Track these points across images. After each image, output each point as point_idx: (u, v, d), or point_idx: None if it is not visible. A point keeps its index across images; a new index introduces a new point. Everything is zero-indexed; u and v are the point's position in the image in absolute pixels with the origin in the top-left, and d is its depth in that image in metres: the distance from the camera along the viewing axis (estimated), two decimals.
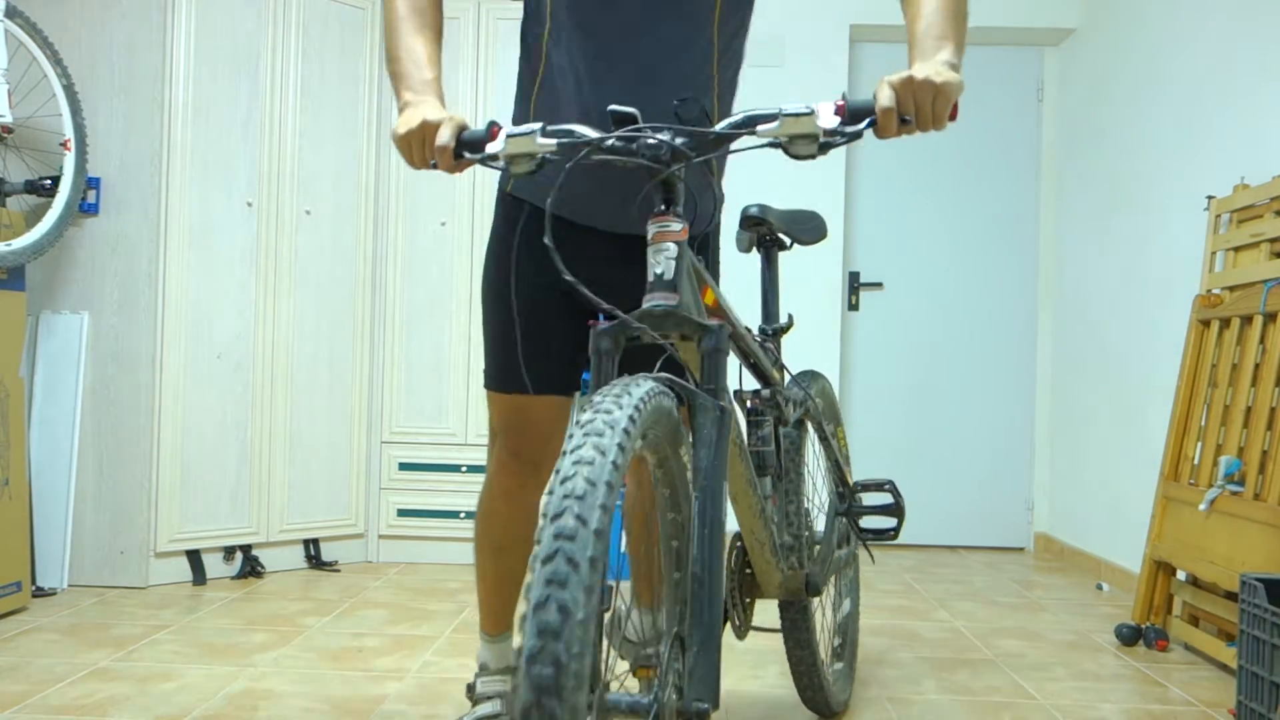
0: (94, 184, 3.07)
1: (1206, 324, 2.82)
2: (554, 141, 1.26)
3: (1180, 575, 2.77)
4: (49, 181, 2.93)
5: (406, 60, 1.48)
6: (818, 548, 1.94)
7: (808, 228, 1.93)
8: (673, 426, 1.14)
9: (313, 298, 3.41)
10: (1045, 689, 2.31)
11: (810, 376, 2.00)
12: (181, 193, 3.11)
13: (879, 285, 4.26)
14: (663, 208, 1.27)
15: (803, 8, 3.96)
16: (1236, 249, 2.80)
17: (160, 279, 3.08)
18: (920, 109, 1.21)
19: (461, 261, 3.57)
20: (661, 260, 1.25)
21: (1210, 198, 2.92)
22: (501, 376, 1.71)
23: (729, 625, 1.70)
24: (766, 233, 1.89)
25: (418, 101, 1.42)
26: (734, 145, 1.26)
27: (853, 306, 4.25)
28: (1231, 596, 2.46)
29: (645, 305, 1.25)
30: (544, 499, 0.89)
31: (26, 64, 2.96)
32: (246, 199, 3.25)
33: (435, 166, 1.35)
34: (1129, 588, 3.34)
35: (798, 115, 1.19)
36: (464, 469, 3.55)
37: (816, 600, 1.99)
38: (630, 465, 1.16)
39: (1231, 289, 2.78)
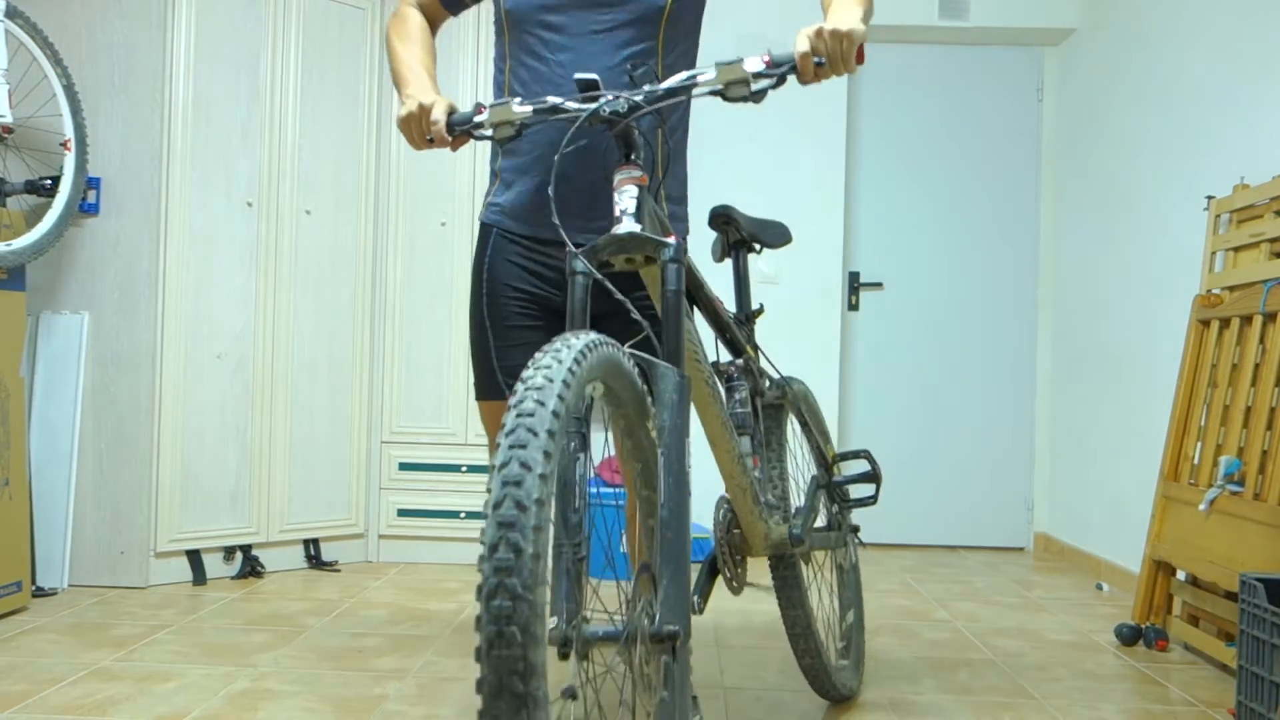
0: (94, 184, 3.07)
1: (1206, 324, 2.83)
2: (530, 108, 1.49)
3: (1180, 575, 2.77)
4: (49, 181, 2.93)
5: (404, 67, 1.76)
6: (802, 512, 2.00)
7: (773, 233, 2.08)
8: (629, 386, 1.24)
9: (313, 298, 3.41)
10: (1045, 689, 2.31)
11: (788, 380, 2.09)
12: (181, 193, 3.11)
13: (879, 285, 4.26)
14: (625, 157, 1.46)
15: (798, 7, 3.96)
16: (1236, 249, 2.80)
17: (160, 279, 3.08)
18: (831, 53, 1.43)
19: (462, 261, 3.57)
20: (625, 199, 1.42)
21: (1210, 198, 2.92)
22: (482, 385, 1.87)
23: (722, 580, 1.81)
24: (735, 234, 2.02)
25: (414, 90, 1.66)
26: (679, 96, 1.46)
27: (853, 306, 4.25)
28: (1231, 596, 2.46)
29: (613, 232, 1.41)
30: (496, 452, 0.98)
31: (26, 64, 2.96)
32: (246, 199, 3.25)
33: (433, 144, 1.59)
34: (1129, 588, 3.34)
35: (729, 64, 1.43)
36: (464, 469, 3.56)
37: (816, 593, 2.01)
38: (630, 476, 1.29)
39: (1231, 289, 2.78)
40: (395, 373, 3.57)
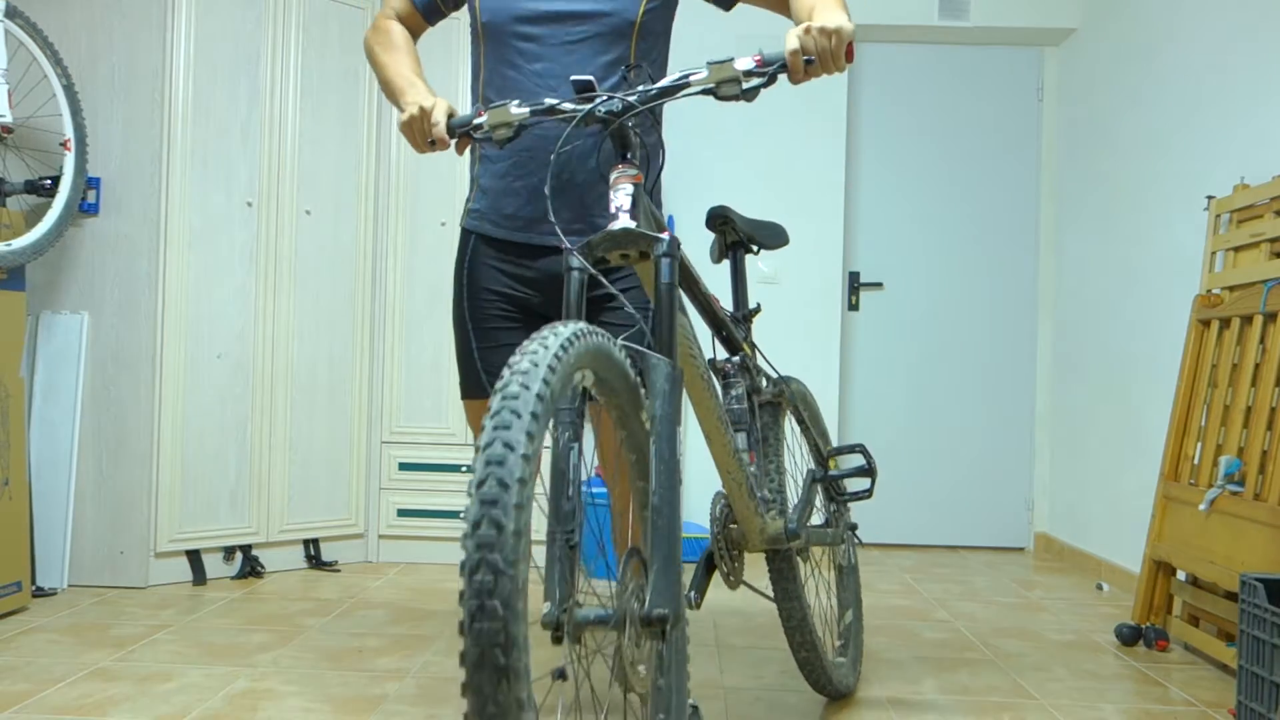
0: (94, 184, 3.07)
1: (1206, 324, 2.82)
2: (527, 109, 1.52)
3: (1180, 575, 2.77)
4: (49, 181, 2.93)
5: (396, 76, 1.81)
6: (798, 505, 2.01)
7: (769, 234, 2.10)
8: (621, 375, 1.27)
9: (312, 297, 3.41)
10: (1045, 689, 2.31)
11: (786, 379, 2.10)
12: (181, 193, 3.11)
13: (879, 285, 4.26)
14: (620, 156, 1.48)
15: None
16: (1236, 249, 2.80)
17: (160, 279, 3.08)
18: (821, 51, 1.45)
19: None
20: (621, 196, 1.44)
21: (1210, 198, 2.92)
22: (466, 384, 1.95)
23: (719, 575, 1.83)
24: (732, 234, 2.04)
25: (413, 96, 1.72)
26: (672, 95, 1.48)
27: (853, 306, 4.25)
28: (1231, 596, 2.46)
29: (608, 228, 1.44)
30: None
31: (26, 64, 2.96)
32: (246, 199, 3.25)
33: (435, 146, 1.63)
34: (1129, 588, 3.34)
35: (720, 63, 1.44)
36: (464, 469, 3.56)
37: (814, 590, 2.01)
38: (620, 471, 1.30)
39: (1231, 289, 2.78)
40: (395, 373, 3.57)
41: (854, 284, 4.25)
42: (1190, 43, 3.18)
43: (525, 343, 1.09)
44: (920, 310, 4.25)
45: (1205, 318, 2.82)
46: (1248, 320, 2.61)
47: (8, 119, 2.71)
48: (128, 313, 3.07)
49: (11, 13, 2.76)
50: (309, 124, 3.38)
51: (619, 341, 1.28)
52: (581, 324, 1.16)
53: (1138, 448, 3.39)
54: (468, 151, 1.98)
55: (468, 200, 1.97)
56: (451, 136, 1.62)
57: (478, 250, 1.92)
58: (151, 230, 3.07)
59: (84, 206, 3.03)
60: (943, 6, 4.11)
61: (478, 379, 1.92)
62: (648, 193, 1.91)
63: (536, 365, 1.03)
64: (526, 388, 1.00)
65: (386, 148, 3.58)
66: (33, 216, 2.90)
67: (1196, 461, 2.74)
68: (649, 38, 1.87)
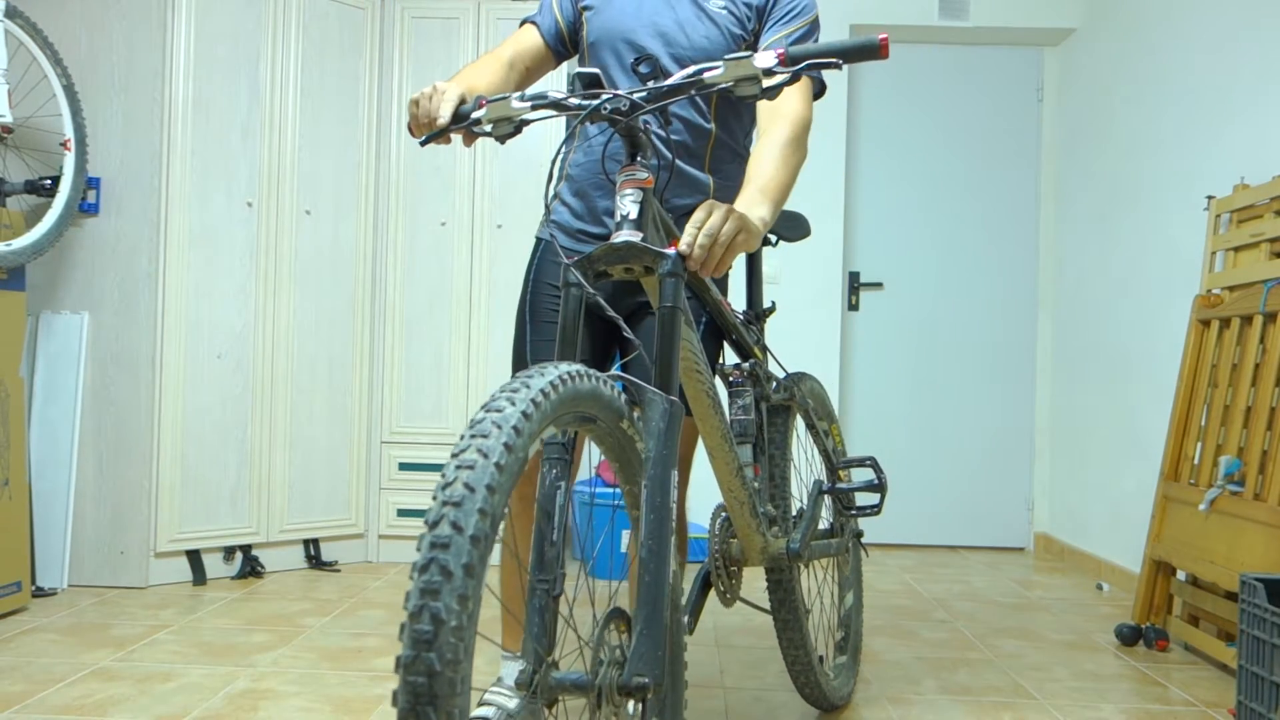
0: (94, 184, 3.07)
1: (1206, 324, 2.82)
2: (528, 104, 1.40)
3: (1180, 575, 2.77)
4: (49, 181, 2.93)
5: (467, 73, 1.75)
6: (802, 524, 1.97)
7: (790, 225, 2.03)
8: (605, 404, 1.17)
9: (312, 297, 3.41)
10: (1045, 689, 2.31)
11: (799, 377, 2.05)
12: (181, 193, 3.11)
13: (879, 285, 4.26)
14: (630, 158, 1.38)
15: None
16: (1236, 249, 2.80)
17: (160, 279, 3.08)
18: (699, 252, 1.35)
19: (461, 261, 3.57)
20: (627, 203, 1.34)
21: (1210, 198, 2.92)
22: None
23: (715, 592, 1.77)
24: None
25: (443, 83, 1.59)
26: (683, 94, 1.37)
27: (853, 306, 4.25)
28: (1231, 596, 2.46)
29: (610, 241, 1.34)
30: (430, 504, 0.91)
31: (26, 64, 2.96)
32: (246, 199, 3.25)
33: (431, 133, 1.50)
34: (1129, 588, 3.34)
35: (738, 59, 1.31)
36: None
37: (815, 589, 1.99)
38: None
39: (1231, 289, 2.78)
40: (395, 373, 3.57)
41: (854, 284, 4.25)
42: (1190, 43, 3.18)
43: (495, 392, 0.99)
44: (920, 310, 4.25)
45: (1205, 318, 2.82)
46: (1248, 320, 2.61)
47: (8, 119, 2.71)
48: (128, 313, 3.07)
49: (11, 13, 2.76)
50: (309, 124, 3.38)
51: (610, 375, 1.19)
52: (559, 370, 1.06)
53: (1138, 448, 3.39)
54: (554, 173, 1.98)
55: (544, 218, 1.98)
56: (452, 122, 1.49)
57: (548, 250, 1.90)
58: (151, 230, 3.07)
59: (84, 206, 3.03)
60: (943, 6, 4.11)
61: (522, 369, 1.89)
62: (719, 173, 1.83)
63: (500, 427, 0.93)
64: (485, 455, 0.90)
65: (386, 148, 3.58)
66: (33, 216, 2.90)
67: (1196, 461, 2.74)
68: (729, 103, 1.79)
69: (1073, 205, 4.04)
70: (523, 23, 1.93)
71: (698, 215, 1.36)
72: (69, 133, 2.93)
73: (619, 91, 1.34)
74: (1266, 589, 1.88)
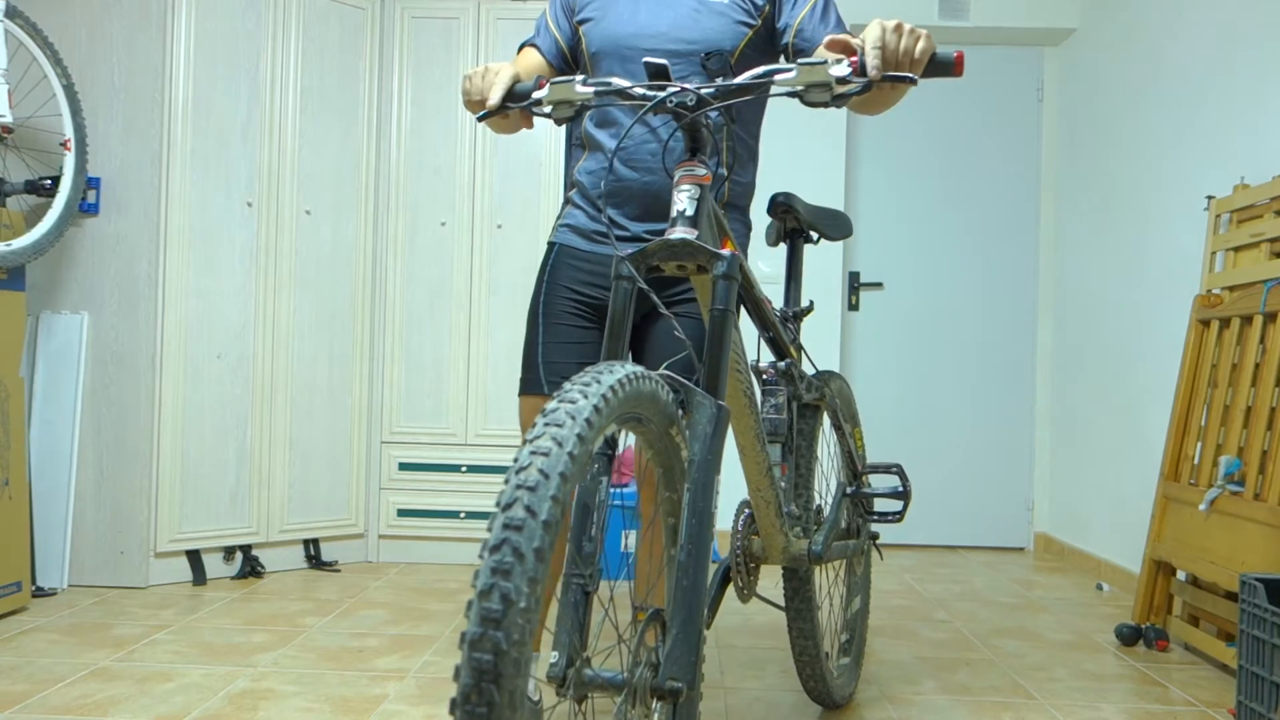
0: (94, 184, 3.07)
1: (1206, 324, 2.82)
2: (591, 89, 1.37)
3: (1180, 575, 2.77)
4: (49, 181, 2.93)
5: (521, 58, 1.88)
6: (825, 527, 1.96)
7: (833, 224, 2.02)
8: (660, 408, 1.16)
9: (313, 297, 3.41)
10: (1045, 689, 2.31)
11: (829, 375, 2.05)
12: (181, 193, 3.11)
13: (879, 285, 4.26)
14: (690, 154, 1.35)
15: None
16: (1236, 249, 2.80)
17: (160, 279, 3.08)
18: (905, 51, 1.33)
19: (461, 261, 3.57)
20: (684, 199, 1.32)
21: (1210, 198, 2.92)
22: (525, 380, 1.89)
23: (733, 588, 1.76)
24: (793, 222, 1.97)
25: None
26: (753, 93, 1.34)
27: (853, 306, 4.25)
28: (1231, 596, 2.46)
29: (665, 237, 1.31)
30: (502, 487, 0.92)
31: (26, 64, 2.96)
32: (246, 199, 3.25)
33: (483, 118, 1.49)
34: (1129, 588, 3.34)
35: (812, 64, 1.29)
36: (464, 469, 3.55)
37: (825, 587, 1.99)
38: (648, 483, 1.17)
39: (1231, 289, 2.78)
40: (395, 372, 3.57)
41: (854, 284, 4.25)
42: (1190, 43, 3.18)
43: (566, 386, 1.00)
44: (920, 310, 4.25)
45: (1205, 318, 2.82)
46: (1248, 320, 2.61)
47: (8, 119, 2.71)
48: (128, 313, 3.07)
49: (11, 13, 2.76)
50: (309, 124, 3.38)
51: (660, 373, 1.18)
52: (626, 369, 1.06)
53: (1138, 448, 3.39)
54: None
55: (559, 218, 1.98)
56: (509, 101, 1.46)
57: (563, 253, 1.90)
58: (151, 230, 3.07)
59: (84, 206, 3.03)
60: (943, 6, 4.11)
61: (536, 375, 1.86)
62: (734, 202, 1.86)
63: (574, 418, 0.94)
64: (560, 444, 0.91)
65: (386, 148, 3.58)
66: (33, 216, 2.90)
67: (1196, 461, 2.74)
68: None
69: (1073, 205, 4.04)
70: (521, 46, 1.94)
71: (872, 33, 1.33)
72: (69, 133, 2.93)
73: (687, 86, 1.31)
74: (1266, 589, 1.88)
